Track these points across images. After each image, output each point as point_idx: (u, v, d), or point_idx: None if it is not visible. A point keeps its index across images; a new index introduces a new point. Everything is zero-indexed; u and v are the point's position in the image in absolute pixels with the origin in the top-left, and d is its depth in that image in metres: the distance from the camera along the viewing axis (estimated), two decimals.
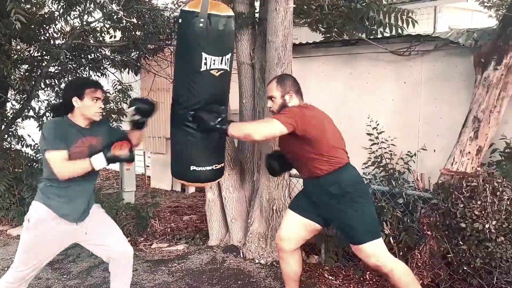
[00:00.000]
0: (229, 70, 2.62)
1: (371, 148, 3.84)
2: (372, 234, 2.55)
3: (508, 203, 2.88)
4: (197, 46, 2.42)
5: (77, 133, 2.50)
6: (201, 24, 2.37)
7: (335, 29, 4.23)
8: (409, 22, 3.98)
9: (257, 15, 4.27)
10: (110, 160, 2.44)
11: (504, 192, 2.90)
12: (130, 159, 2.53)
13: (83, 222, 2.60)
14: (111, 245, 2.66)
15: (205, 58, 2.41)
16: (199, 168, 2.61)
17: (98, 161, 2.42)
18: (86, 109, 2.49)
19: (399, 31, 3.98)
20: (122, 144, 2.48)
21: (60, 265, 3.94)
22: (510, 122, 3.46)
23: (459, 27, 5.61)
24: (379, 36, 4.14)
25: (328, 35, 4.36)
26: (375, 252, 2.54)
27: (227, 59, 2.55)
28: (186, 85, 2.51)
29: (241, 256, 4.04)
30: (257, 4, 4.46)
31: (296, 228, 2.80)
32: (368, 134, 3.83)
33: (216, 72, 2.48)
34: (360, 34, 4.17)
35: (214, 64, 2.45)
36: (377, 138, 3.79)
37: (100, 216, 2.74)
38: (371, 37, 4.13)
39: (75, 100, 2.48)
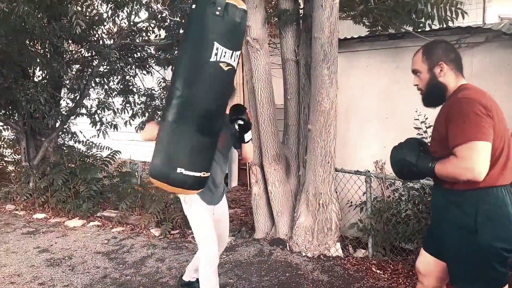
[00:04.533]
0: (235, 69, 2.45)
1: None
2: None
3: None
4: (210, 34, 2.27)
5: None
6: (217, 12, 2.24)
7: (381, 23, 4.19)
8: (458, 14, 3.89)
9: (301, 11, 4.30)
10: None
11: None
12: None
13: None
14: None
15: (217, 48, 2.26)
16: (188, 172, 2.34)
17: None
18: None
19: (449, 23, 3.89)
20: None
21: (115, 255, 4.16)
22: None
23: (510, 16, 5.42)
24: (427, 29, 4.07)
25: (374, 29, 4.32)
26: None
27: (237, 55, 2.39)
28: (192, 75, 2.32)
29: (288, 249, 4.12)
30: (301, 0, 4.49)
31: None
32: (416, 128, 3.79)
33: (225, 66, 2.32)
34: (407, 27, 4.11)
35: (224, 56, 2.30)
36: (425, 132, 3.74)
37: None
38: (419, 30, 4.07)
39: None
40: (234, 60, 2.37)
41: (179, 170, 2.31)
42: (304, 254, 3.99)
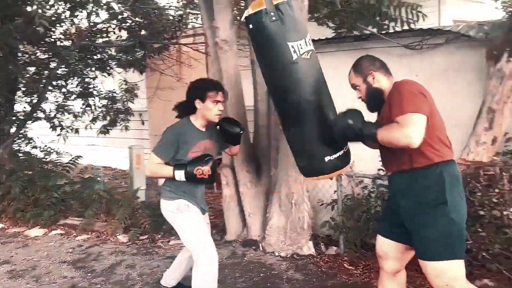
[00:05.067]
0: (314, 48, 2.59)
1: None
2: None
3: None
4: (280, 39, 2.38)
5: (196, 136, 2.72)
6: (273, 18, 2.35)
7: (347, 25, 4.30)
8: (418, 16, 4.06)
9: None
10: (189, 179, 2.61)
11: None
12: (210, 182, 2.73)
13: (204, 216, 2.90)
14: None
15: (292, 46, 2.39)
16: (334, 156, 2.49)
17: (178, 175, 2.62)
18: (207, 111, 2.68)
19: (411, 25, 4.05)
20: (204, 171, 2.59)
21: (83, 264, 4.00)
22: None
23: (463, 19, 5.71)
24: (391, 30, 4.21)
25: (340, 30, 4.43)
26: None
27: (309, 38, 2.52)
28: (286, 82, 2.46)
29: (261, 249, 4.12)
30: None
31: None
32: None
33: (307, 55, 2.45)
34: (372, 29, 4.24)
35: (302, 48, 2.42)
36: None
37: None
38: (383, 32, 4.20)
39: (197, 102, 2.68)
40: (310, 44, 2.49)
41: (327, 159, 2.46)
42: (277, 254, 4.01)
